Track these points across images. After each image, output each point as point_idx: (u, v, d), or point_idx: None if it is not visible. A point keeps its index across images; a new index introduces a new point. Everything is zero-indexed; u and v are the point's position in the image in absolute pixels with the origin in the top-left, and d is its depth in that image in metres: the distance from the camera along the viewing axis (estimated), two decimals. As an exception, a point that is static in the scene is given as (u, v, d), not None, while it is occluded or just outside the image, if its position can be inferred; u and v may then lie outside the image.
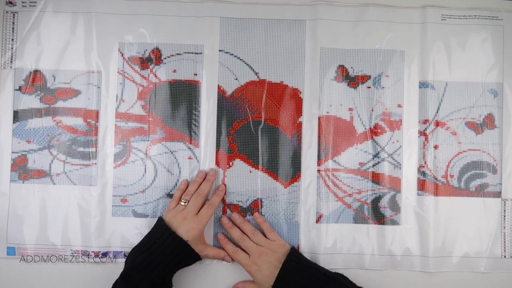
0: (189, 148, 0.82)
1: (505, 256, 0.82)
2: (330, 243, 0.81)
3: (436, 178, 0.82)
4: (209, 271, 0.81)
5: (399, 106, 0.82)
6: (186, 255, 0.75)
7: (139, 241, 0.76)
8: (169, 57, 0.82)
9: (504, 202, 0.82)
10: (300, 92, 0.82)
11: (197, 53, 0.82)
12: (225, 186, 0.81)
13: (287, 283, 0.73)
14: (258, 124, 0.82)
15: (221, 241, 0.80)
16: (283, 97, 0.82)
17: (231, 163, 0.82)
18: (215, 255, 0.79)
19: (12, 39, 0.81)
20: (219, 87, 0.82)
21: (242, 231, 0.79)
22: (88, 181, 0.81)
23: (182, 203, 0.77)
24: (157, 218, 0.77)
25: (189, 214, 0.75)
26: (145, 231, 0.77)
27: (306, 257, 0.79)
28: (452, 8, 0.83)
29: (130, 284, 0.70)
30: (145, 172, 0.81)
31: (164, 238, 0.73)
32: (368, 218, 0.82)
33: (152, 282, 0.71)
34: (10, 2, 0.81)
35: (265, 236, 0.79)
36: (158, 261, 0.72)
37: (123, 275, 0.72)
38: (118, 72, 0.81)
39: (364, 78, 0.83)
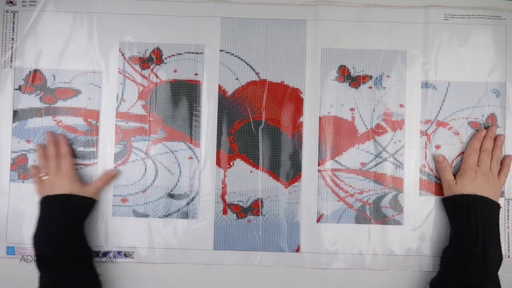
0: (190, 148, 0.81)
1: (509, 256, 0.81)
2: (331, 243, 0.81)
3: (437, 178, 0.81)
4: (209, 271, 0.81)
5: (401, 106, 0.82)
6: (77, 204, 0.76)
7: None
8: (169, 57, 0.82)
9: (508, 202, 0.81)
10: (301, 92, 0.82)
11: (198, 53, 0.82)
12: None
13: (460, 213, 0.76)
14: (259, 124, 0.82)
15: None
16: (284, 97, 0.82)
17: (231, 163, 0.81)
18: (102, 183, 0.79)
19: (12, 39, 0.81)
20: (219, 87, 0.82)
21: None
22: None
23: (44, 177, 0.77)
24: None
25: (54, 177, 0.77)
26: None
27: (307, 257, 0.80)
28: (455, 8, 0.83)
29: (44, 267, 0.72)
30: (145, 171, 0.81)
31: (53, 209, 0.74)
32: (370, 218, 0.81)
33: (60, 249, 0.72)
34: (10, 2, 0.81)
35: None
36: (55, 228, 0.73)
37: (37, 266, 0.73)
38: (118, 71, 0.81)
39: (366, 78, 0.82)
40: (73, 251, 0.73)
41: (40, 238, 0.74)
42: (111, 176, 0.80)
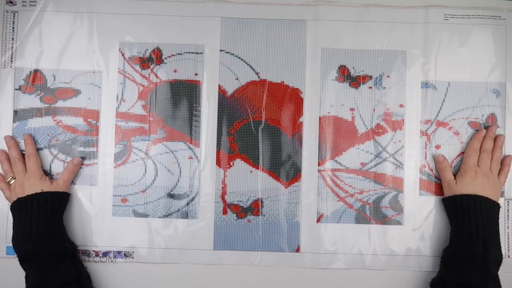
0: (190, 148, 0.81)
1: (509, 256, 0.81)
2: (331, 243, 0.81)
3: (437, 178, 0.81)
4: (209, 271, 0.81)
5: (401, 106, 0.82)
6: (51, 200, 0.75)
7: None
8: (169, 57, 0.82)
9: (508, 202, 0.81)
10: (301, 92, 0.82)
11: (198, 53, 0.82)
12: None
13: (460, 213, 0.76)
14: (259, 124, 0.82)
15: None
16: (284, 97, 0.82)
17: (231, 163, 0.81)
18: (68, 174, 0.79)
19: (12, 39, 0.81)
20: (219, 87, 0.82)
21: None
22: (88, 181, 0.81)
23: (11, 182, 0.77)
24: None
25: (22, 179, 0.76)
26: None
27: (307, 257, 0.80)
28: (455, 8, 0.83)
29: (29, 267, 0.72)
30: (145, 171, 0.81)
31: (27, 210, 0.74)
32: (370, 218, 0.81)
33: (42, 247, 0.72)
34: (10, 2, 0.81)
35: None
36: (34, 227, 0.73)
37: (21, 266, 0.74)
38: (118, 71, 0.81)
39: (366, 78, 0.82)
40: (55, 247, 0.73)
41: (20, 239, 0.74)
42: (75, 165, 0.79)
